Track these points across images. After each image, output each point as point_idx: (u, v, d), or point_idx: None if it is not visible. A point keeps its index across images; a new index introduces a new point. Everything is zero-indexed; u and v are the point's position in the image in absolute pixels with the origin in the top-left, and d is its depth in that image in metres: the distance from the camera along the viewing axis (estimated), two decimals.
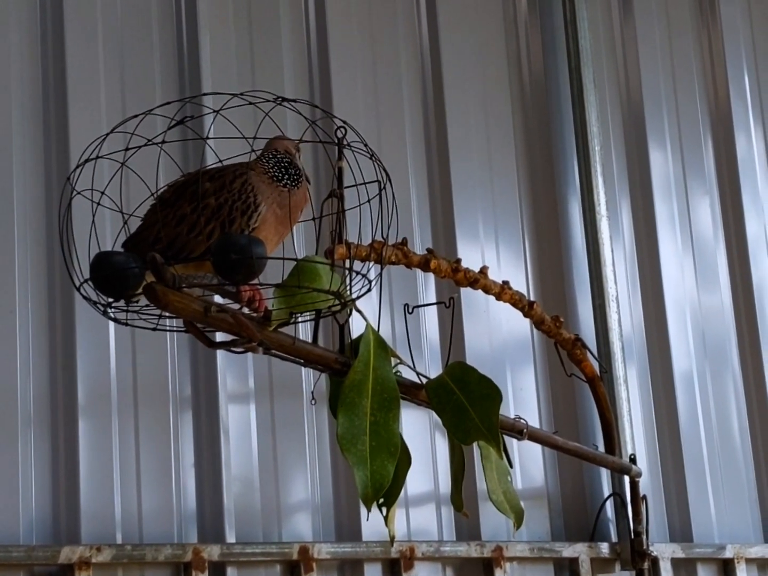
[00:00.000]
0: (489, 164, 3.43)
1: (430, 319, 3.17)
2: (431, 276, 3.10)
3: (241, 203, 1.83)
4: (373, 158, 1.79)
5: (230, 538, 2.72)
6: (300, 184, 1.91)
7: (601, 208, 3.48)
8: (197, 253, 1.79)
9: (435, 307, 3.12)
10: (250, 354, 2.80)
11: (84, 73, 2.79)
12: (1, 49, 2.72)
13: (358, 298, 1.83)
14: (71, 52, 2.79)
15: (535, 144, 3.56)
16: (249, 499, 2.79)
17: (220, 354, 2.80)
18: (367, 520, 1.91)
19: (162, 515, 2.66)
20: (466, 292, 2.86)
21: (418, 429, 3.02)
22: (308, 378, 2.92)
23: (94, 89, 2.80)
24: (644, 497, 3.25)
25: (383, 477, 1.82)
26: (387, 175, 1.80)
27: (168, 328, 1.90)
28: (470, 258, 3.05)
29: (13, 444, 2.53)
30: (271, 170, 1.89)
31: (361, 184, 1.84)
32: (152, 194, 1.89)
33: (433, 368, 2.99)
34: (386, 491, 1.85)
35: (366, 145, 1.79)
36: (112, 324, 2.67)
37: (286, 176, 1.89)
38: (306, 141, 1.91)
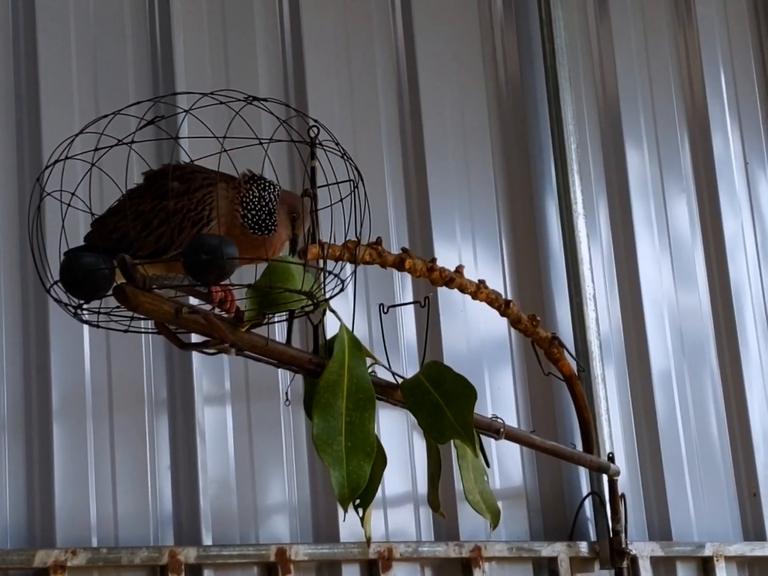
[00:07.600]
0: (465, 163, 3.43)
1: (407, 319, 3.16)
2: (408, 276, 3.09)
3: (194, 214, 1.76)
4: (345, 157, 1.78)
5: (207, 540, 2.71)
6: (269, 233, 1.79)
7: (578, 207, 3.48)
8: (145, 252, 1.75)
9: (412, 306, 3.11)
10: (225, 356, 2.82)
11: (57, 72, 2.77)
12: None
13: (331, 297, 1.82)
14: (44, 51, 2.76)
15: (511, 143, 3.56)
16: (225, 501, 2.78)
17: (196, 356, 2.79)
18: (344, 521, 1.90)
19: (138, 518, 2.65)
20: (443, 292, 2.86)
21: (396, 430, 3.02)
22: (285, 380, 2.90)
23: (67, 89, 2.78)
24: (623, 496, 3.25)
25: (360, 477, 1.81)
26: (359, 173, 1.78)
27: (140, 329, 1.89)
28: (447, 257, 3.05)
29: None
30: (247, 203, 1.79)
31: (333, 183, 1.82)
32: (123, 194, 1.87)
33: (410, 368, 2.98)
34: (362, 492, 1.84)
35: (338, 144, 1.78)
36: (86, 326, 2.66)
37: (255, 219, 1.79)
38: (278, 140, 1.89)
